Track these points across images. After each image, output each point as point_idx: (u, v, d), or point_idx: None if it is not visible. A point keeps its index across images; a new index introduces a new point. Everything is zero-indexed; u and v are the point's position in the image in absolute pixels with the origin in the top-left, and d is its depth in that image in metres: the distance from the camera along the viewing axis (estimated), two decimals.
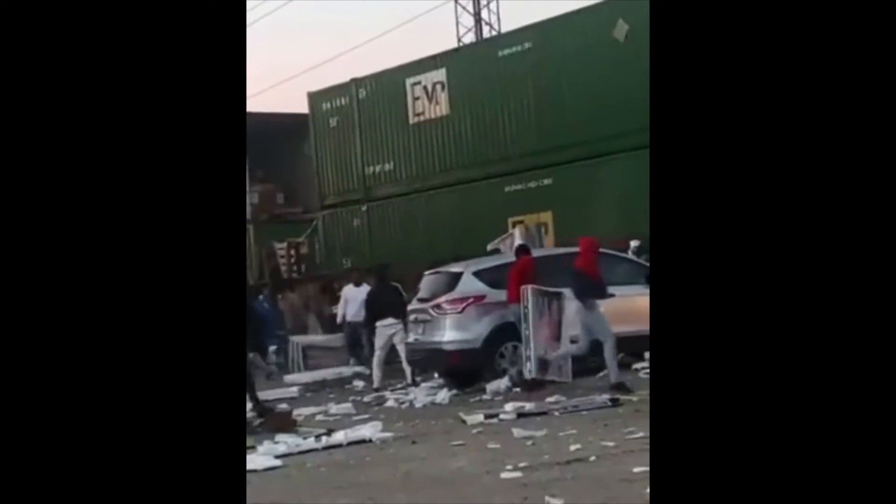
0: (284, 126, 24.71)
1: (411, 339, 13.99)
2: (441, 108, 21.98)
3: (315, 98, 23.80)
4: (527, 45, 20.02)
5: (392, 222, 22.56)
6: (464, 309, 12.81)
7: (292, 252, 23.25)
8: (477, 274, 13.62)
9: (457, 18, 28.95)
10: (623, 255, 14.92)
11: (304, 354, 18.91)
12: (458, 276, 13.33)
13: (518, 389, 12.55)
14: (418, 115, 22.34)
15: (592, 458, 8.37)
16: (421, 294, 13.64)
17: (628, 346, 12.77)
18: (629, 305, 12.75)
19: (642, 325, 12.70)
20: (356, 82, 22.97)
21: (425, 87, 22.19)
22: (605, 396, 11.50)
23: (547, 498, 6.94)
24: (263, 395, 13.64)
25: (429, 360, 13.85)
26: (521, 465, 8.34)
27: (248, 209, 23.77)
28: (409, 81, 22.29)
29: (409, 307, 14.13)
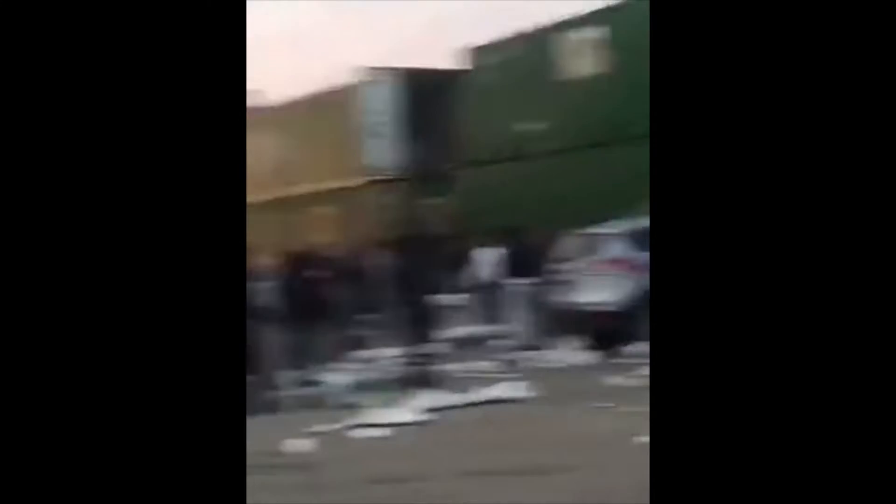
0: (434, 82, 24.87)
1: (555, 299, 14.02)
2: (600, 65, 21.70)
3: (469, 53, 23.87)
4: None
5: (543, 182, 22.41)
6: (609, 271, 12.73)
7: (439, 210, 23.38)
8: (623, 236, 13.57)
9: None
10: None
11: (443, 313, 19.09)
12: (604, 237, 13.29)
13: None
14: (574, 72, 22.13)
15: None
16: (566, 255, 13.60)
17: None
18: None
19: None
20: (512, 38, 22.90)
21: (581, 44, 21.94)
22: None
23: None
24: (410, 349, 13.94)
25: (572, 322, 13.85)
26: None
27: (402, 166, 24.18)
28: (566, 37, 22.10)
29: (555, 267, 14.13)
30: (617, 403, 9.86)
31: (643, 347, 12.88)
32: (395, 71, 24.79)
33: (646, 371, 11.29)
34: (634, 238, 13.64)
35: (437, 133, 25.16)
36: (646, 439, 7.72)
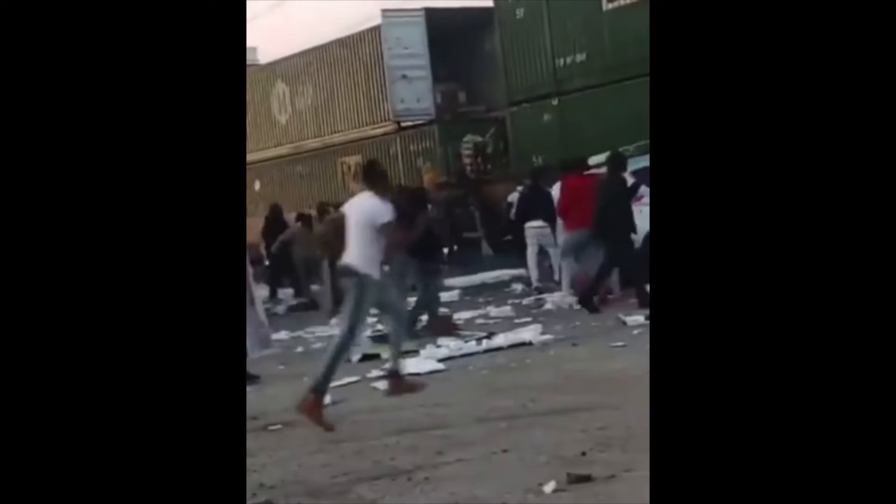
0: (464, 21, 24.87)
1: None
2: None
3: None
4: None
5: (587, 117, 22.42)
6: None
7: (478, 152, 23.47)
8: (640, 173, 13.82)
9: None
10: None
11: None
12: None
13: None
14: (614, 0, 22.10)
15: None
16: None
17: None
18: None
19: None
20: None
21: None
22: None
23: None
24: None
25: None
26: None
27: (433, 109, 24.30)
28: None
29: None
30: (635, 342, 10.21)
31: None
32: (422, 10, 24.68)
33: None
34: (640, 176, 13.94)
35: (469, 73, 25.25)
36: None
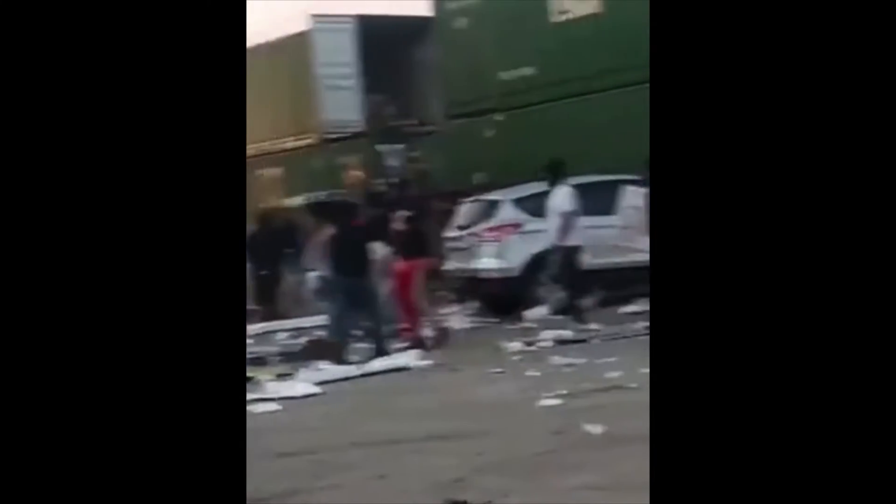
0: (396, 30, 24.95)
1: (450, 266, 14.73)
2: (591, 4, 21.96)
3: None
4: None
5: (533, 133, 22.61)
6: (502, 237, 13.42)
7: (410, 168, 23.54)
8: (517, 201, 14.30)
9: None
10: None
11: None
12: (496, 203, 13.94)
13: (559, 317, 13.44)
14: (563, 13, 22.28)
15: (632, 385, 9.09)
16: (460, 221, 14.20)
17: None
18: None
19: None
20: None
21: None
22: (643, 324, 12.04)
23: (585, 425, 7.64)
24: (300, 322, 14.64)
25: (467, 288, 14.60)
26: (560, 392, 9.13)
27: (362, 121, 24.33)
28: None
29: (450, 234, 14.81)
30: (513, 368, 10.58)
31: (537, 312, 13.56)
32: (353, 17, 24.45)
33: (541, 335, 11.99)
34: (530, 203, 14.53)
35: (400, 85, 25.31)
36: (547, 402, 8.37)
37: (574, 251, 13.32)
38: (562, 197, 13.43)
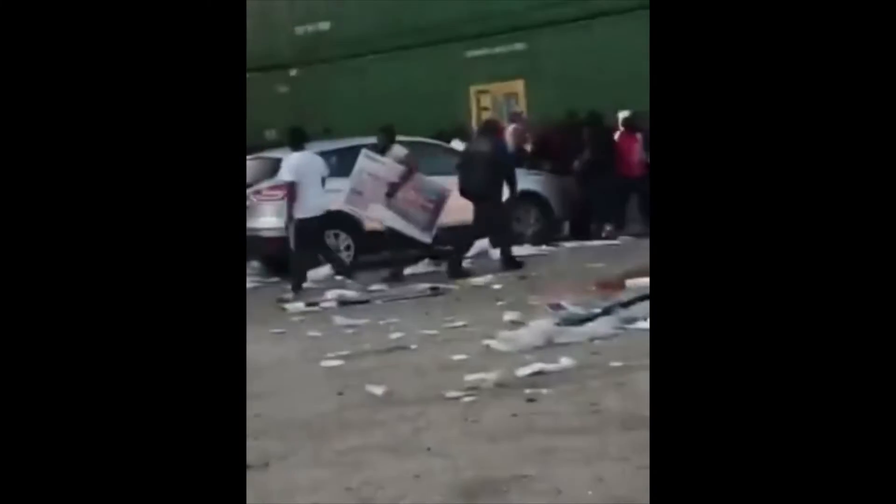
0: None
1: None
2: None
3: None
4: None
5: (328, 90, 22.49)
6: (284, 196, 13.45)
7: None
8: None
9: None
10: (449, 146, 16.36)
11: None
12: (280, 161, 13.97)
13: (340, 277, 13.53)
14: None
15: (413, 347, 9.33)
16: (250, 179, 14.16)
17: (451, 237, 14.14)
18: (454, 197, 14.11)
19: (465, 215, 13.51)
20: None
21: None
22: (426, 285, 12.32)
23: (368, 386, 7.76)
24: None
25: (248, 247, 14.54)
26: (342, 353, 9.24)
27: None
28: None
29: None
30: (296, 329, 10.68)
31: (320, 272, 13.66)
32: None
33: (321, 297, 12.09)
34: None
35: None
36: (329, 363, 8.43)
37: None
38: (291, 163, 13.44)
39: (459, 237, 13.78)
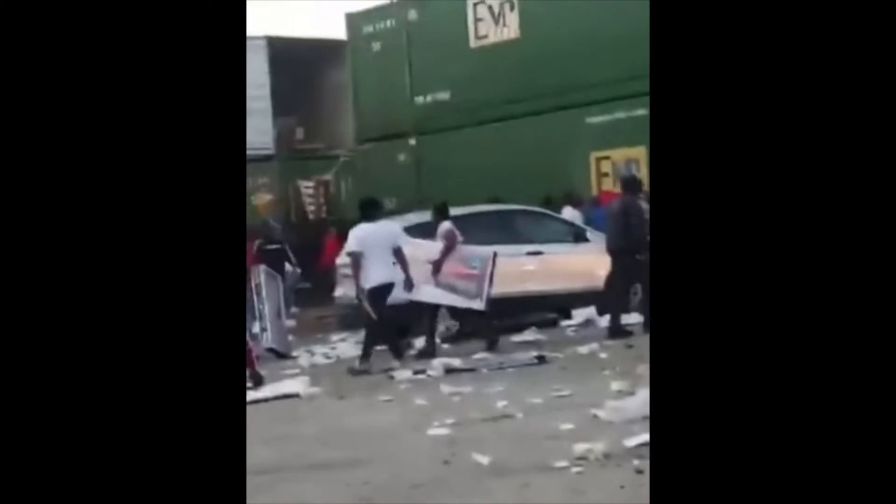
0: (307, 52, 25.12)
1: (339, 293, 14.99)
2: (510, 30, 22.14)
3: (355, 20, 24.09)
4: None
5: (447, 158, 22.67)
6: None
7: (321, 191, 23.54)
8: (408, 230, 14.63)
9: None
10: (551, 213, 16.62)
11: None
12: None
13: (446, 345, 13.71)
14: (482, 38, 22.53)
15: (519, 416, 9.28)
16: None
17: (556, 304, 14.69)
18: (557, 263, 14.70)
19: (569, 284, 13.57)
20: (406, 3, 23.24)
21: (490, 7, 22.38)
22: (532, 354, 12.21)
23: (474, 455, 7.73)
24: None
25: (356, 315, 14.66)
26: (449, 421, 9.25)
27: (272, 144, 24.29)
28: (470, 1, 22.56)
29: (340, 261, 15.00)
30: (403, 397, 10.72)
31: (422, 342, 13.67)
32: (264, 37, 24.36)
33: (427, 365, 12.10)
34: (417, 231, 14.73)
35: (309, 108, 25.32)
36: (435, 431, 8.47)
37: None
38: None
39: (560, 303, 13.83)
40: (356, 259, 13.04)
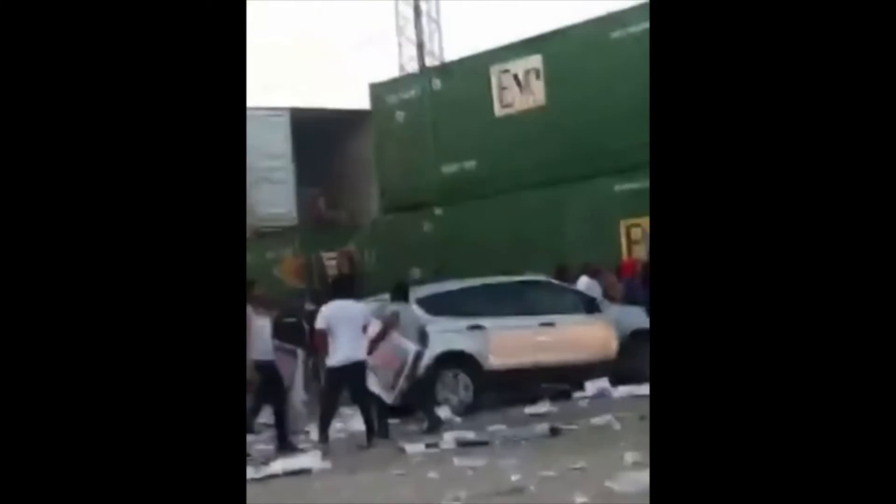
0: (329, 123, 25.44)
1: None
2: (536, 97, 22.25)
3: (378, 90, 24.32)
4: (645, 25, 19.74)
5: (474, 227, 22.73)
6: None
7: (344, 262, 23.62)
8: (419, 301, 14.78)
9: (399, 48, 31.55)
10: (563, 285, 16.67)
11: None
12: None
13: (459, 419, 13.69)
14: (507, 106, 22.67)
15: (532, 489, 9.26)
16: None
17: (568, 376, 14.75)
18: (570, 334, 14.88)
19: (582, 354, 13.66)
20: (429, 72, 23.59)
21: (515, 76, 22.56)
22: (545, 426, 12.17)
23: None
24: None
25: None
26: (462, 494, 9.23)
27: (295, 215, 24.43)
28: (494, 69, 22.74)
29: None
30: (415, 470, 10.70)
31: (438, 413, 13.64)
32: (287, 109, 24.93)
33: (440, 438, 12.07)
34: (432, 302, 14.92)
35: (331, 178, 25.48)
36: None
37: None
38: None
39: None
40: (322, 336, 12.97)
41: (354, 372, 12.85)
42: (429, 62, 30.51)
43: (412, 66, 30.67)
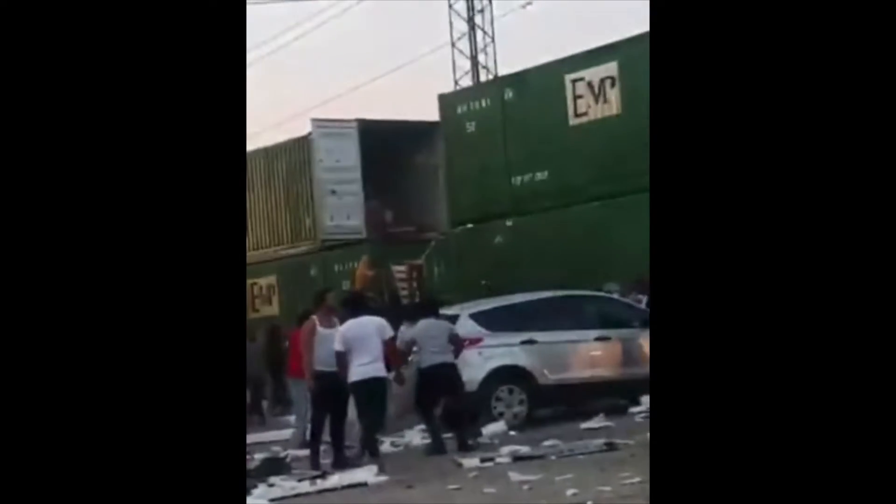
0: (397, 134, 25.43)
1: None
2: (611, 106, 22.13)
3: (448, 100, 24.29)
4: None
5: (546, 239, 22.63)
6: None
7: (414, 275, 23.61)
8: (474, 316, 14.92)
9: (454, 62, 32.16)
10: (618, 297, 16.84)
11: None
12: (453, 318, 14.05)
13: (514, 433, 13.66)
14: (581, 115, 22.52)
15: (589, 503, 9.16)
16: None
17: (624, 390, 14.80)
18: (626, 349, 15.16)
19: (637, 368, 13.72)
20: (501, 81, 23.32)
21: (590, 84, 22.39)
22: (601, 441, 12.08)
23: None
24: (257, 437, 14.72)
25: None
26: None
27: (363, 227, 24.53)
28: (568, 78, 22.53)
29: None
30: (471, 485, 10.65)
31: (495, 427, 13.57)
32: (355, 121, 24.93)
33: (496, 452, 12.04)
34: (487, 317, 15.03)
35: (399, 191, 25.53)
36: None
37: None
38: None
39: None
40: (341, 359, 12.88)
41: (375, 386, 12.85)
42: (483, 77, 30.60)
43: (466, 81, 31.09)
